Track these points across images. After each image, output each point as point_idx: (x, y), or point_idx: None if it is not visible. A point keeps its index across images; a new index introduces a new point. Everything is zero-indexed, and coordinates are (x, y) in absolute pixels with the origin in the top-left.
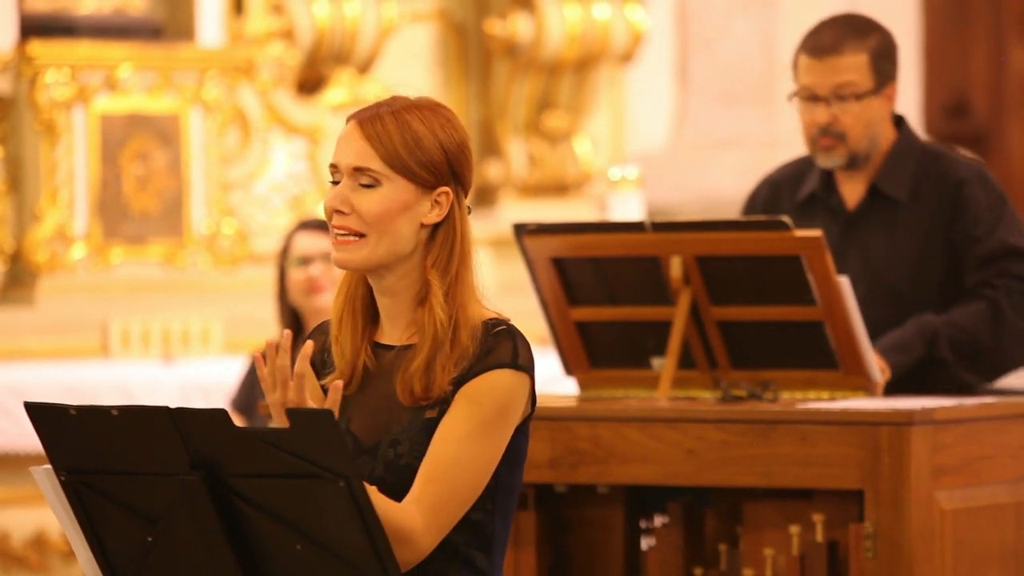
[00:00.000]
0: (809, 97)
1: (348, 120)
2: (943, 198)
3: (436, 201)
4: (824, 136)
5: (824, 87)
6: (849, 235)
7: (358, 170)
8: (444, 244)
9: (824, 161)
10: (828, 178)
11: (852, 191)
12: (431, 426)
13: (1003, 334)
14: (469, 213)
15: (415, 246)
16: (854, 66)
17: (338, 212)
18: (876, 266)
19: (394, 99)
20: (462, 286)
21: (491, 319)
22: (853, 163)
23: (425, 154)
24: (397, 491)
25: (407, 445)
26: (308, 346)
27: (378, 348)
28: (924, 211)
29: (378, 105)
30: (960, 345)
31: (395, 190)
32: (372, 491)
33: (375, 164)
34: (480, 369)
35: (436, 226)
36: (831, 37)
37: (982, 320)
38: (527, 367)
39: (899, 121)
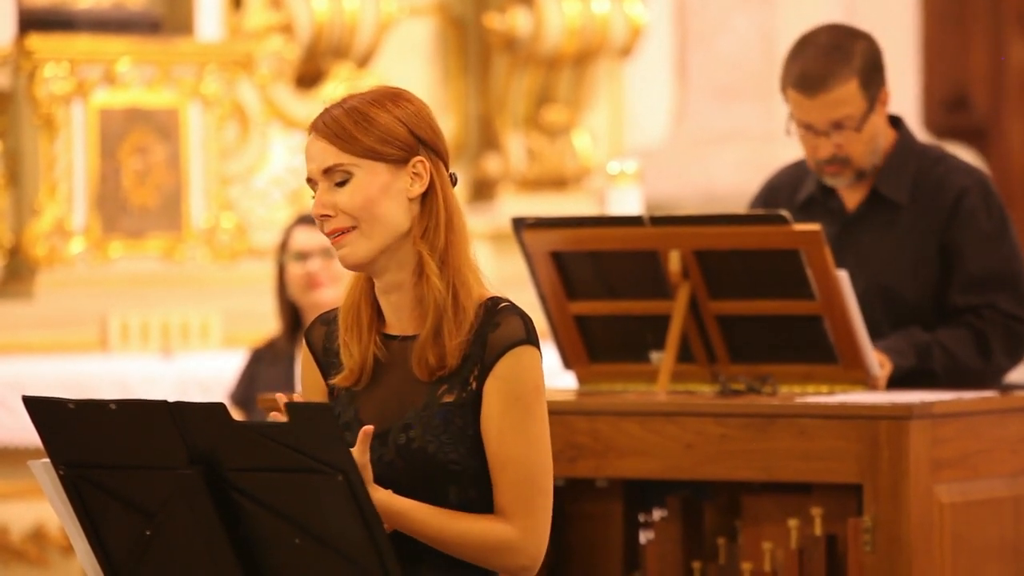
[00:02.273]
0: (807, 128)
1: (308, 133)
2: (942, 203)
3: (414, 173)
4: (830, 164)
5: (821, 122)
6: (847, 236)
7: (327, 171)
8: (431, 213)
9: (832, 183)
10: None
11: (851, 193)
12: (448, 412)
13: (987, 367)
14: (455, 184)
15: (410, 224)
16: (846, 98)
17: (324, 217)
18: (873, 267)
19: (344, 98)
20: (454, 250)
21: (492, 296)
22: (861, 177)
23: (382, 129)
24: (409, 475)
25: (420, 429)
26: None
27: (387, 339)
28: (922, 214)
29: (328, 108)
30: (947, 367)
31: (368, 175)
32: (458, 514)
33: (340, 158)
34: (498, 352)
35: (424, 200)
36: (817, 68)
37: (969, 349)
38: (538, 341)
39: (896, 122)
